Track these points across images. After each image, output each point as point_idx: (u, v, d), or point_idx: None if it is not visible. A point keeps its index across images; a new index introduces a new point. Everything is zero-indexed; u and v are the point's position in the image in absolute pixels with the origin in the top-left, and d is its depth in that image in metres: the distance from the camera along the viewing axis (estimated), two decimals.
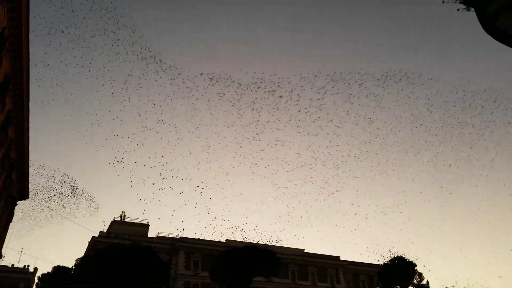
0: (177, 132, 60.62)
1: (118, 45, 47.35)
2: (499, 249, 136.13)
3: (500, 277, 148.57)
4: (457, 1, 6.05)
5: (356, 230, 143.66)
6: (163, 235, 64.46)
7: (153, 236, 63.91)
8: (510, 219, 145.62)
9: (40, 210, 64.14)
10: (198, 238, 63.97)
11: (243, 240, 62.21)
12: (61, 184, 62.27)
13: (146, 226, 65.34)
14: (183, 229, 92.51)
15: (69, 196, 63.65)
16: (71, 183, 63.65)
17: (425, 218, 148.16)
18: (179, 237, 63.00)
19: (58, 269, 49.84)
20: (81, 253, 75.70)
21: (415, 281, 54.80)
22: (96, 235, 58.82)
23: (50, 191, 60.81)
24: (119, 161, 60.50)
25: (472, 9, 5.82)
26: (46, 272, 50.94)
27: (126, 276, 33.33)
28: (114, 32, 45.39)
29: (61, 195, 62.58)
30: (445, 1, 5.84)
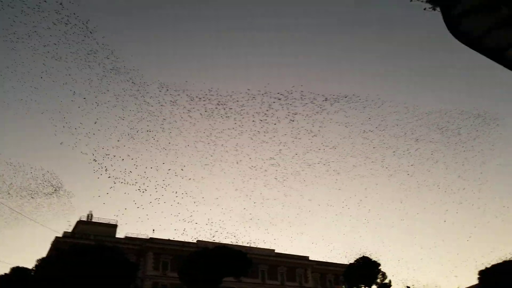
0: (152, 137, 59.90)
1: None
2: (459, 250, 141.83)
3: (456, 277, 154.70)
4: (424, 0, 6.23)
5: (324, 230, 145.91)
6: (132, 236, 63.21)
7: (121, 237, 62.58)
8: (468, 221, 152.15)
9: None
10: (168, 239, 63.14)
11: (214, 241, 61.95)
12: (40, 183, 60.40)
13: (114, 226, 63.81)
14: (153, 230, 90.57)
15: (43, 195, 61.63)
16: (51, 182, 61.40)
17: (391, 219, 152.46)
18: (148, 237, 61.95)
19: (16, 270, 47.70)
20: (42, 254, 73.02)
21: (378, 280, 56.25)
22: (60, 236, 56.94)
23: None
24: (99, 162, 58.48)
25: (438, 9, 5.96)
26: (3, 274, 48.69)
27: (90, 276, 32.38)
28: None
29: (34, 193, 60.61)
30: (412, 0, 6.01)
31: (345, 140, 67.09)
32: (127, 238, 61.96)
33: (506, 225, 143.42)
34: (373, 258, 58.44)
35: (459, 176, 74.16)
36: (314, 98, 59.84)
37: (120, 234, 65.31)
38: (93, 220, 64.78)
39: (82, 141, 55.96)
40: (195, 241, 63.66)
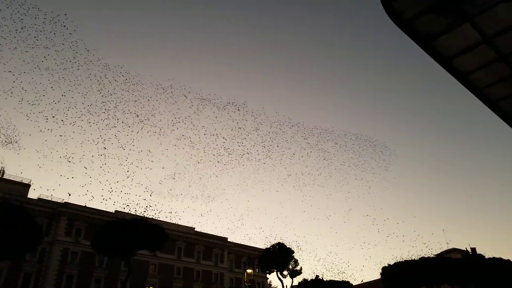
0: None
1: None
2: (368, 248, 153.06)
3: (364, 266, 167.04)
4: None
5: (245, 214, 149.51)
6: (47, 198, 59.77)
7: (34, 198, 58.97)
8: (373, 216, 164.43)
9: None
10: (84, 205, 60.64)
11: (132, 213, 60.75)
12: None
13: (27, 186, 59.77)
14: (69, 194, 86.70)
15: None
16: None
17: (309, 210, 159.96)
18: (63, 202, 59.08)
19: None
20: None
21: (290, 266, 59.16)
22: None
23: None
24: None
25: None
26: None
27: None
28: None
29: None
30: None
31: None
32: (40, 199, 58.47)
33: (408, 229, 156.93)
34: (288, 245, 61.17)
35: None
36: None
37: (34, 195, 61.47)
38: (5, 177, 60.28)
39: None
40: (113, 211, 61.97)
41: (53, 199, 59.60)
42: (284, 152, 76.29)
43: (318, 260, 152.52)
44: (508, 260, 55.57)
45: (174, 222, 67.69)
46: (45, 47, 53.81)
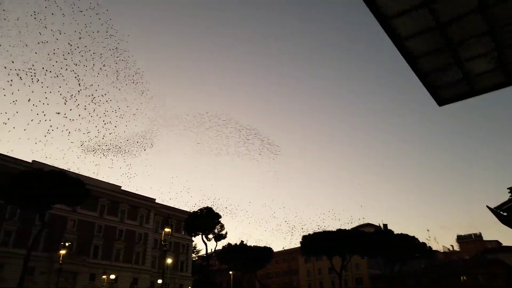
0: None
1: None
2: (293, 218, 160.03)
3: (285, 239, 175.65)
4: None
5: (177, 178, 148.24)
6: None
7: None
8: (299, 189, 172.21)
9: None
10: None
11: (53, 165, 56.87)
12: None
13: None
14: None
15: None
16: None
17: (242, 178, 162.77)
18: None
19: None
20: None
21: (216, 231, 59.93)
22: None
23: None
24: None
25: None
26: None
27: None
28: None
29: None
30: None
31: None
32: None
33: (328, 203, 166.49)
34: (216, 210, 61.65)
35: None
36: None
37: None
38: None
39: None
40: (30, 160, 57.47)
41: None
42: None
43: (243, 227, 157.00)
44: (413, 237, 61.23)
45: (99, 179, 64.88)
46: None
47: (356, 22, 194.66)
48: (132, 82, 79.77)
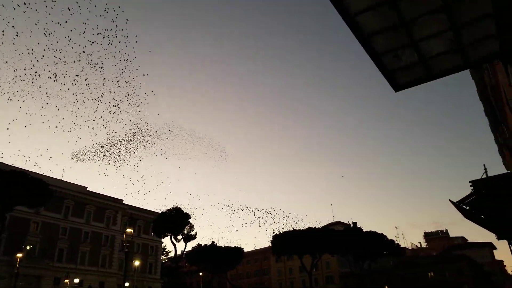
0: None
1: None
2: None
3: (256, 238, 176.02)
4: None
5: (148, 179, 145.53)
6: None
7: None
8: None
9: None
10: None
11: (14, 165, 54.25)
12: None
13: None
14: None
15: None
16: None
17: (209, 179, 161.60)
18: None
19: None
20: None
21: (185, 231, 58.88)
22: None
23: None
24: None
25: None
26: None
27: None
28: None
29: None
30: None
31: None
32: None
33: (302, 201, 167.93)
34: (185, 211, 60.53)
35: None
36: None
37: None
38: None
39: None
40: None
41: None
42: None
43: (211, 228, 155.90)
44: (382, 234, 62.33)
45: (62, 179, 62.50)
46: None
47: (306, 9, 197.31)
48: None
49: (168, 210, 58.68)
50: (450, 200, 16.05)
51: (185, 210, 59.42)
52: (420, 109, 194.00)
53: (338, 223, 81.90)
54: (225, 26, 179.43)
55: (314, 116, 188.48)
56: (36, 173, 53.33)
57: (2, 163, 54.84)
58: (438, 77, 6.55)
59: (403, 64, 6.37)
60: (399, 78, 6.67)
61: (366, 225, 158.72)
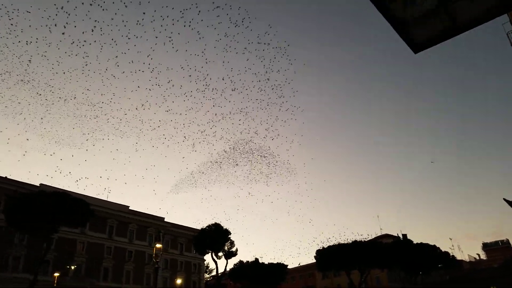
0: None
1: None
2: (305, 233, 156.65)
3: (299, 254, 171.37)
4: None
5: (186, 195, 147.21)
6: None
7: None
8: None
9: None
10: (5, 177, 55.32)
11: (60, 187, 56.31)
12: None
13: None
14: None
15: None
16: None
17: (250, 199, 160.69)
18: None
19: None
20: None
21: (226, 248, 57.91)
22: None
23: None
24: None
25: None
26: None
27: None
28: None
29: None
30: None
31: None
32: None
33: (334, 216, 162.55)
34: (225, 227, 59.77)
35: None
36: None
37: None
38: None
39: None
40: (38, 184, 57.12)
41: None
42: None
43: (253, 244, 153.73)
44: (434, 246, 58.08)
45: (107, 200, 64.16)
46: None
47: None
48: None
49: (207, 226, 58.16)
50: (504, 199, 13.97)
51: (231, 226, 58.70)
52: (479, 114, 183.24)
53: (386, 235, 77.77)
54: None
55: (363, 128, 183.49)
56: (79, 193, 54.95)
57: (47, 185, 57.20)
58: (466, 29, 5.12)
59: (417, 13, 5.01)
60: (416, 33, 5.29)
61: (416, 237, 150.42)
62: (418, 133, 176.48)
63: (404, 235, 70.16)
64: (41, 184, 57.18)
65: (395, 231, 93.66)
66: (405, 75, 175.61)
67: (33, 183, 57.17)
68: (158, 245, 21.50)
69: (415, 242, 59.50)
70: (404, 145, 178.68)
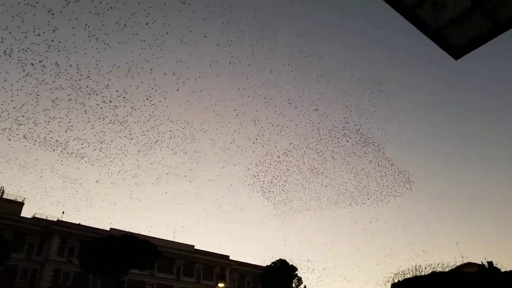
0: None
1: None
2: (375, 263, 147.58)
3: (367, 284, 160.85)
4: None
5: (247, 232, 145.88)
6: (41, 216, 58.44)
7: (28, 217, 57.64)
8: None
9: None
10: (79, 223, 58.98)
11: (129, 230, 58.72)
12: None
13: (20, 204, 58.60)
14: (63, 212, 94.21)
15: None
16: None
17: (311, 229, 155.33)
18: (56, 220, 57.51)
19: None
20: None
21: (293, 285, 55.93)
22: None
23: None
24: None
25: None
26: None
27: None
28: None
29: None
30: None
31: None
32: (34, 218, 57.10)
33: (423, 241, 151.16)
34: (291, 263, 58.07)
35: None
36: None
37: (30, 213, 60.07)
38: (4, 196, 59.43)
39: None
40: (108, 228, 60.08)
41: (49, 217, 58.22)
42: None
43: (319, 277, 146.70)
44: None
45: (173, 240, 65.55)
46: None
47: None
48: None
49: (272, 263, 56.78)
50: None
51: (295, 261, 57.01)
52: None
53: (469, 264, 70.67)
54: None
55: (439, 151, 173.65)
56: (146, 235, 56.80)
57: (116, 228, 59.89)
58: (506, 29, 4.45)
59: (449, 16, 4.45)
60: (452, 38, 4.70)
61: (505, 264, 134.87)
62: (498, 157, 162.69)
63: (490, 263, 63.27)
64: (111, 229, 60.00)
65: (479, 259, 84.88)
66: None
67: (103, 228, 60.31)
68: (221, 285, 21.10)
69: (503, 270, 53.22)
70: (489, 166, 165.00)
